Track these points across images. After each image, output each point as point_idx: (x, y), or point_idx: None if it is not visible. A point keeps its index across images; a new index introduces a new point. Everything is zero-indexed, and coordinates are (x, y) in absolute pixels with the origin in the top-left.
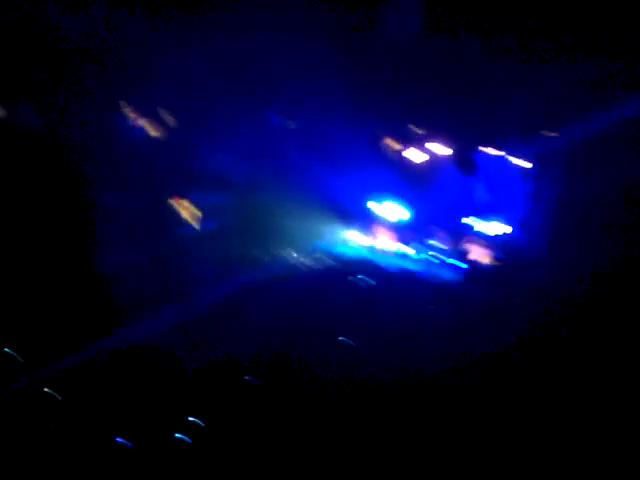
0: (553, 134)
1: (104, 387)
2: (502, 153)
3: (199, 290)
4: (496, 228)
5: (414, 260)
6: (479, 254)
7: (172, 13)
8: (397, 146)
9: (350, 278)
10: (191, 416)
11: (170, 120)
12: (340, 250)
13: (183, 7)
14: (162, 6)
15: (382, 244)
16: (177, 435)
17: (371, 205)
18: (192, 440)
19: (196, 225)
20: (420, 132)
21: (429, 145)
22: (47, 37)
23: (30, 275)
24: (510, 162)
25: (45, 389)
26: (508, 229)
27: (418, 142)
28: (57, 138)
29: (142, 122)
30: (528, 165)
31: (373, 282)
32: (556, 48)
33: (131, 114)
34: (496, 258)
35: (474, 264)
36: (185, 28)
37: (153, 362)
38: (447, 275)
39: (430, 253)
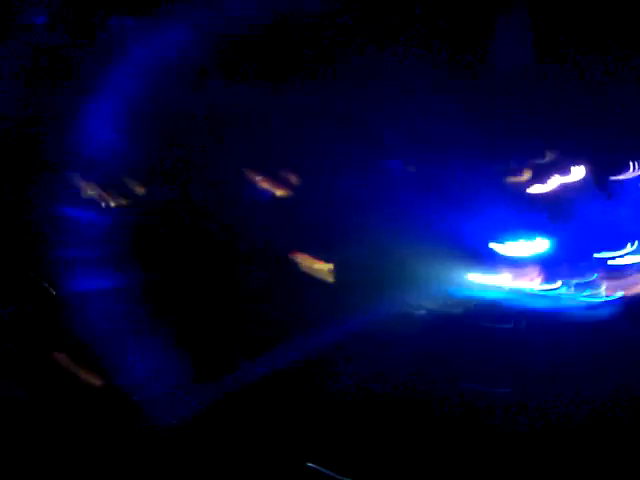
0: None
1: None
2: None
3: (322, 329)
4: None
5: (551, 298)
6: (625, 287)
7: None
8: (522, 180)
9: (483, 323)
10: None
11: (292, 178)
12: (467, 292)
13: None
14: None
15: (513, 284)
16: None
17: (497, 244)
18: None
19: (327, 278)
20: (545, 163)
21: (557, 176)
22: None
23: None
24: None
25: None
26: None
27: (544, 173)
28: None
29: (265, 183)
30: None
31: (508, 325)
32: None
33: (254, 176)
34: None
35: (623, 299)
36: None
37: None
38: (593, 312)
39: (568, 290)
